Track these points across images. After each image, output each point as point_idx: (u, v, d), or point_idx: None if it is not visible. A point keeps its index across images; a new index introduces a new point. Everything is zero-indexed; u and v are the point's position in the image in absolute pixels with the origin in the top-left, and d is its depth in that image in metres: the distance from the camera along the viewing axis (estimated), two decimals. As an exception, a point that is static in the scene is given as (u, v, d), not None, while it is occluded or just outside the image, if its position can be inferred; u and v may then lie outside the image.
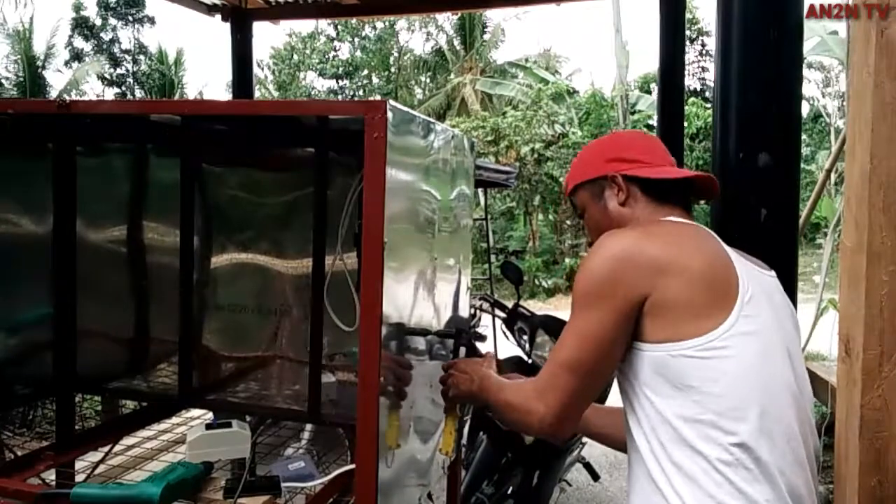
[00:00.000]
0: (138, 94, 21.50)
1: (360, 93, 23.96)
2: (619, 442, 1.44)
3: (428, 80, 23.69)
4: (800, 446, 1.23)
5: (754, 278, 1.27)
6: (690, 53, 18.50)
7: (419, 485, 1.75)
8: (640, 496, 1.25)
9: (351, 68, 24.04)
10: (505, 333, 3.49)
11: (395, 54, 23.76)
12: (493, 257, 12.10)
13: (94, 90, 20.39)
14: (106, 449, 1.99)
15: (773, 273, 1.38)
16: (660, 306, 1.20)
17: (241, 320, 2.20)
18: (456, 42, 22.00)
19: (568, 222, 16.05)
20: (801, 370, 1.30)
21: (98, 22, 21.62)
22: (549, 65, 21.53)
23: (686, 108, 12.52)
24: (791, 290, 2.01)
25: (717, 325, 1.18)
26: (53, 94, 18.46)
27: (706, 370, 1.18)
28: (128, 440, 2.10)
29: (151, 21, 21.91)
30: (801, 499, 1.20)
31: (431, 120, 1.72)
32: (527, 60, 21.12)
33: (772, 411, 1.19)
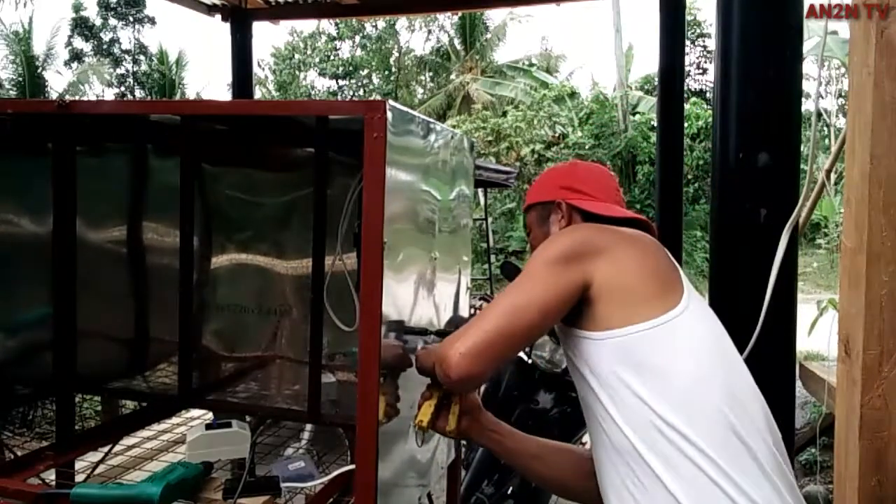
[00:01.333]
0: (138, 94, 21.50)
1: (361, 92, 23.97)
2: (555, 483, 1.54)
3: (428, 80, 23.69)
4: (764, 423, 1.25)
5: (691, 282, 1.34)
6: (691, 54, 18.52)
7: (419, 485, 1.75)
8: (623, 487, 1.24)
9: (351, 68, 24.04)
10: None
11: (396, 54, 23.76)
12: (493, 257, 12.10)
13: (94, 91, 20.39)
14: (106, 449, 1.99)
15: None
16: (611, 290, 1.25)
17: (241, 320, 2.20)
18: (457, 42, 22.00)
19: (568, 222, 16.02)
20: (742, 368, 1.34)
21: (98, 22, 21.62)
22: (550, 65, 21.53)
23: (686, 108, 12.53)
24: (791, 289, 2.02)
25: (670, 307, 1.24)
26: (53, 95, 18.46)
27: (665, 348, 1.22)
28: (128, 440, 2.10)
29: (152, 21, 21.92)
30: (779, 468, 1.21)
31: (431, 120, 1.72)
32: (528, 63, 21.11)
33: (736, 381, 1.25)
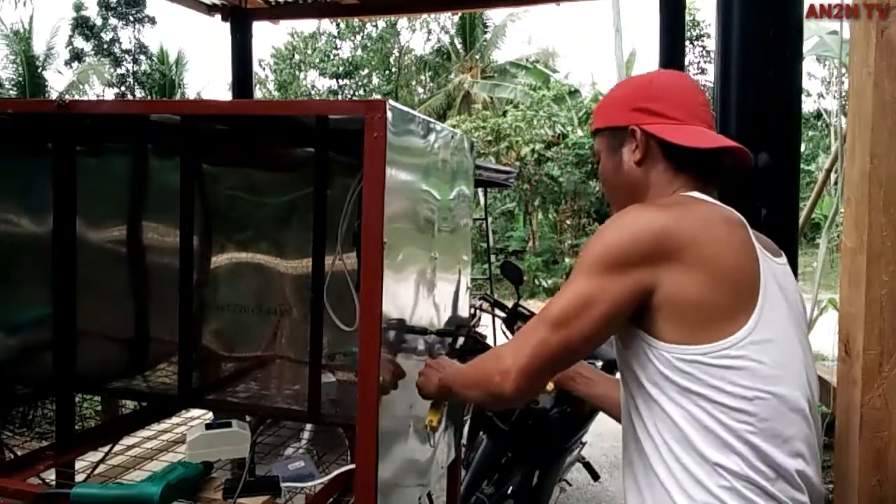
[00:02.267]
0: (139, 94, 21.50)
1: (361, 92, 23.95)
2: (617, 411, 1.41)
3: (428, 80, 23.68)
4: (808, 451, 1.17)
5: (770, 269, 1.18)
6: (690, 54, 18.51)
7: (419, 485, 1.75)
8: (648, 493, 1.19)
9: (351, 67, 24.04)
10: (505, 333, 3.48)
11: (396, 54, 23.76)
12: (493, 257, 12.10)
13: (94, 91, 20.38)
14: (106, 449, 1.99)
15: (783, 259, 1.29)
16: (675, 303, 1.10)
17: (241, 320, 2.20)
18: (457, 41, 22.00)
19: (568, 222, 16.04)
20: (812, 367, 1.24)
21: (98, 22, 21.62)
22: (549, 64, 21.52)
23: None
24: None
25: (736, 330, 1.10)
26: (53, 95, 18.45)
27: (716, 379, 1.10)
28: (128, 440, 2.10)
29: (152, 21, 21.91)
30: None
31: (431, 120, 1.72)
32: (527, 60, 21.10)
33: (782, 430, 1.13)
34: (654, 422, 1.16)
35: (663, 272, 1.10)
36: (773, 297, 1.15)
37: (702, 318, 1.10)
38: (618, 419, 1.41)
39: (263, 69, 24.19)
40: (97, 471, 1.92)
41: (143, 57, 22.06)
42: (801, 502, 1.13)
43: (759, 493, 1.10)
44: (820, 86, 17.45)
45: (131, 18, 21.60)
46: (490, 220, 13.10)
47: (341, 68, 23.87)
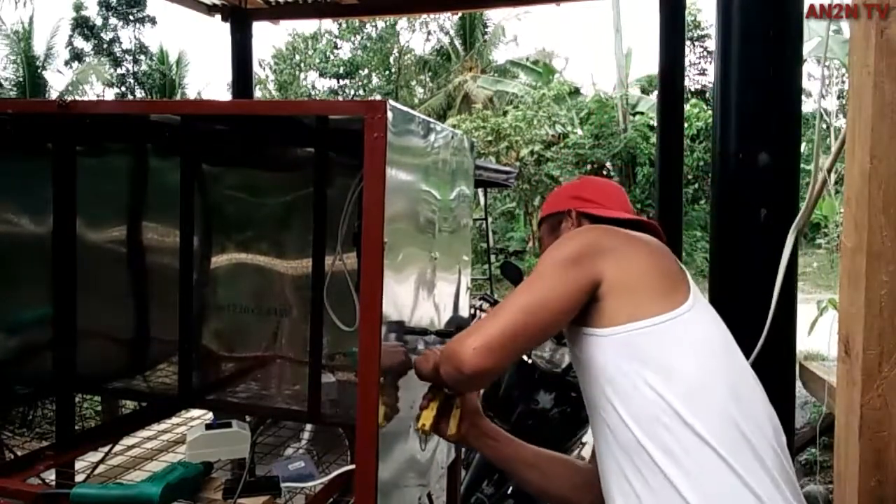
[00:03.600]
0: (139, 94, 21.50)
1: (361, 92, 23.96)
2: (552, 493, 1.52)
3: (428, 80, 23.69)
4: (768, 423, 1.25)
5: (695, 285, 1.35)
6: (691, 55, 18.51)
7: (419, 485, 1.75)
8: (626, 483, 1.24)
9: (352, 68, 24.04)
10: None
11: (396, 54, 23.76)
12: (493, 257, 12.10)
13: (94, 91, 20.38)
14: (106, 449, 1.99)
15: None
16: (618, 288, 1.26)
17: (241, 320, 2.20)
18: (457, 42, 22.00)
19: (568, 222, 16.03)
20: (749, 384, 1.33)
21: (98, 22, 21.62)
22: (550, 64, 21.52)
23: (686, 108, 12.53)
24: (791, 289, 2.02)
25: (677, 305, 1.26)
26: (54, 95, 18.46)
27: (671, 342, 1.24)
28: (128, 440, 2.10)
29: (153, 21, 21.91)
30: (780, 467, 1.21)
31: (431, 120, 1.72)
32: (528, 60, 21.11)
33: (739, 380, 1.27)
34: (626, 408, 1.24)
35: (603, 264, 1.28)
36: (702, 300, 1.33)
37: (643, 296, 1.26)
38: (520, 480, 1.59)
39: (263, 69, 24.20)
40: (97, 471, 1.92)
41: (143, 57, 22.06)
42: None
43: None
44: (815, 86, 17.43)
45: (131, 18, 21.59)
46: (490, 220, 13.11)
47: (341, 68, 23.88)
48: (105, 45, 21.47)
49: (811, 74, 14.67)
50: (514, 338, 1.26)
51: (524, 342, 1.30)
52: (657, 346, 1.23)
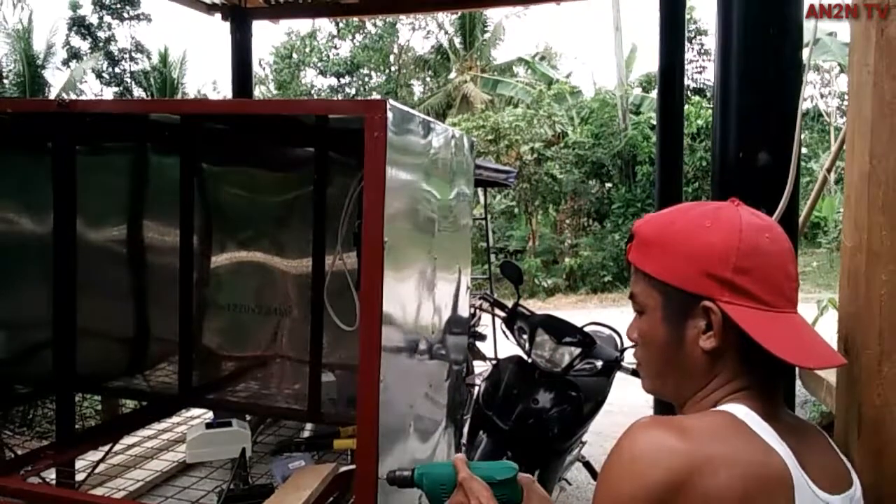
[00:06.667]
0: (136, 92, 21.47)
1: (361, 91, 23.94)
2: None
3: (428, 79, 23.68)
4: None
5: None
6: (690, 52, 18.50)
7: (419, 484, 1.75)
8: None
9: (351, 67, 24.02)
10: (505, 333, 3.48)
11: (396, 53, 23.75)
12: (493, 257, 12.09)
13: (92, 89, 20.37)
14: (106, 448, 1.99)
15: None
16: None
17: (241, 320, 2.20)
18: (456, 40, 21.99)
19: (568, 222, 16.05)
20: None
21: (94, 20, 21.60)
22: (550, 63, 21.53)
23: (686, 107, 12.52)
24: (791, 289, 2.01)
25: None
26: (53, 94, 18.44)
27: None
28: (128, 439, 2.10)
29: (148, 18, 21.87)
30: None
31: (431, 119, 1.72)
32: (529, 57, 21.11)
33: None
34: None
35: None
36: None
37: None
38: None
39: (263, 68, 24.18)
40: (98, 469, 1.92)
41: (140, 55, 22.04)
42: None
43: None
44: (813, 89, 17.42)
45: (126, 16, 21.57)
46: (490, 219, 13.10)
47: (341, 67, 23.87)
48: (101, 44, 21.45)
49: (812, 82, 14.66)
50: None
51: None
52: None
